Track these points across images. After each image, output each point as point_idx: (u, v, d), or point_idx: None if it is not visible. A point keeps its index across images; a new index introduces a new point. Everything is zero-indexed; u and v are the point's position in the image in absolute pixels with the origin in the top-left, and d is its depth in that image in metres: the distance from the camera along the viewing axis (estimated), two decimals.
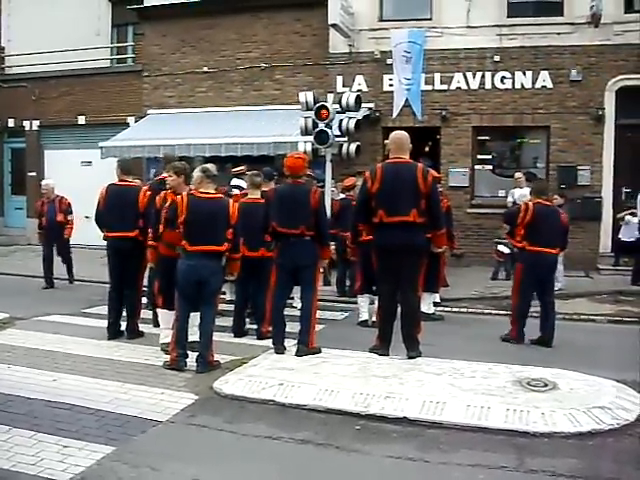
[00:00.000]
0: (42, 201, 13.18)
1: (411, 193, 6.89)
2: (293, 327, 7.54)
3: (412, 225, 6.92)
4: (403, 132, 7.36)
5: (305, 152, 11.86)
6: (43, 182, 13.86)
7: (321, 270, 10.89)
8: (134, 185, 8.57)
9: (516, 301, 8.72)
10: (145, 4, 19.12)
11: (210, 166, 7.31)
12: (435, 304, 10.20)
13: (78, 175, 18.15)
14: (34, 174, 19.61)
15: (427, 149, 17.39)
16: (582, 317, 10.40)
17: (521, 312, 8.61)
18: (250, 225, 7.86)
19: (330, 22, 14.62)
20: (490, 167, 15.36)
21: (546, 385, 6.03)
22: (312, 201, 7.27)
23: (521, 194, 13.21)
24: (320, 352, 7.25)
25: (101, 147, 16.44)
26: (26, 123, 19.96)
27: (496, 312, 10.79)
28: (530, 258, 8.46)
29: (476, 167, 15.28)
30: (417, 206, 6.89)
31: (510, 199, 13.71)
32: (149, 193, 8.26)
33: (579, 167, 14.41)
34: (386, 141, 7.19)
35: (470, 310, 10.96)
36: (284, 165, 7.55)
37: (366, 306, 9.47)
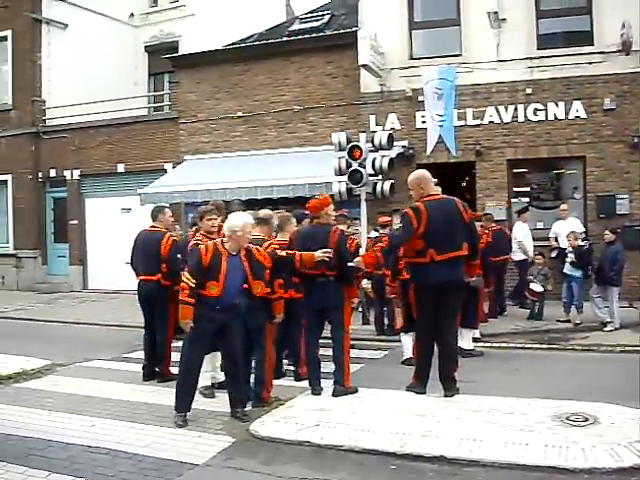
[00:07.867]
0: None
1: (459, 227, 6.92)
2: (332, 367, 7.50)
3: (461, 260, 6.94)
4: (422, 169, 7.55)
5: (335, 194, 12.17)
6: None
7: (359, 309, 10.87)
8: (158, 231, 8.76)
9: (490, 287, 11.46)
10: (180, 53, 19.64)
11: (254, 213, 7.81)
12: (474, 340, 10.08)
13: (118, 222, 18.49)
14: (75, 222, 20.04)
15: (464, 184, 17.40)
16: (627, 349, 10.17)
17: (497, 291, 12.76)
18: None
19: (361, 63, 14.74)
20: (527, 200, 15.23)
21: (586, 420, 5.92)
22: (331, 241, 7.20)
23: (564, 228, 13.11)
24: (357, 392, 7.23)
25: (140, 194, 16.70)
26: (67, 173, 20.33)
27: (537, 346, 10.66)
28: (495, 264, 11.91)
29: (513, 200, 15.18)
30: (466, 239, 6.93)
31: (553, 232, 13.59)
32: (173, 239, 8.56)
33: (617, 196, 14.20)
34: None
35: (510, 345, 10.80)
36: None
37: (410, 344, 8.93)
